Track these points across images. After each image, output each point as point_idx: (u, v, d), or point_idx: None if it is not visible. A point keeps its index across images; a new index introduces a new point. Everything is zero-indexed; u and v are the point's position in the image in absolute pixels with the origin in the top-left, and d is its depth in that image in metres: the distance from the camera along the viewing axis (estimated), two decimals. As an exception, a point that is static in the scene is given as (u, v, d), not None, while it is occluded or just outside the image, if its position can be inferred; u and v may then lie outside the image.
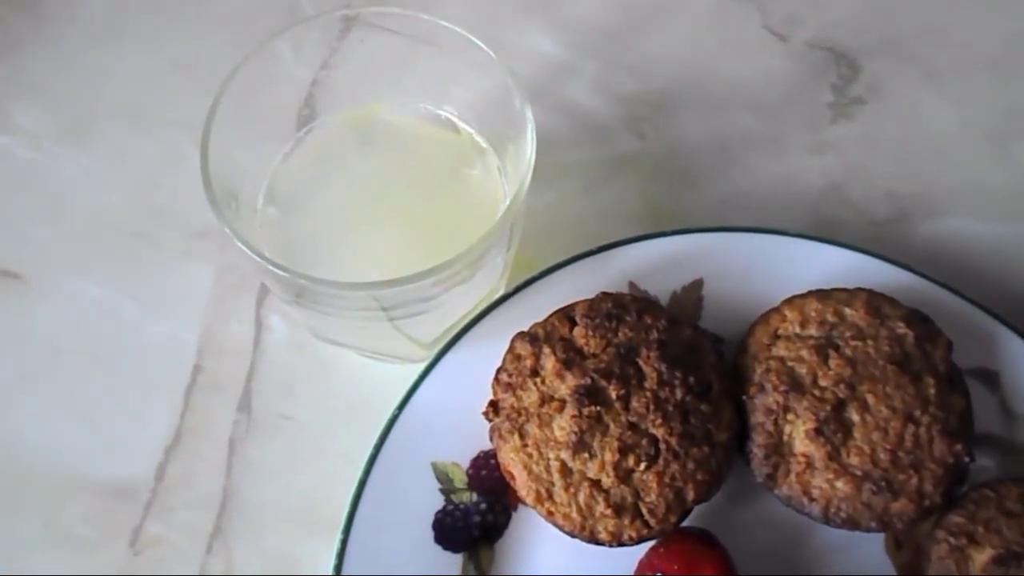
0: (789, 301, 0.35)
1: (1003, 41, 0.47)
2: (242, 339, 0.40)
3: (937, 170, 0.44)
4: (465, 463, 0.35)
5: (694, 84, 0.47)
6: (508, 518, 0.35)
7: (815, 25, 0.48)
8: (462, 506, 0.34)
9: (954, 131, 0.45)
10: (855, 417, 0.32)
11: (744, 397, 0.34)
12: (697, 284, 0.38)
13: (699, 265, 0.38)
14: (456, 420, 0.35)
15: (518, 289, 0.37)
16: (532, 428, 0.32)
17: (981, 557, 0.31)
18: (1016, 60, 0.46)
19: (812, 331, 0.34)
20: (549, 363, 0.33)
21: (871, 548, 0.34)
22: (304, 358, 0.39)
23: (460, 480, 0.34)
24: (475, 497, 0.34)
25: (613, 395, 0.32)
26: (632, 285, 0.38)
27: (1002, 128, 0.45)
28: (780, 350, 0.34)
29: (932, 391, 0.33)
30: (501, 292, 0.37)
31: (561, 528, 0.32)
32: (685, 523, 0.33)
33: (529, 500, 0.32)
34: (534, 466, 0.32)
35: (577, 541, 0.33)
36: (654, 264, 0.38)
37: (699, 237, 0.39)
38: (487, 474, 0.34)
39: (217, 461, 0.37)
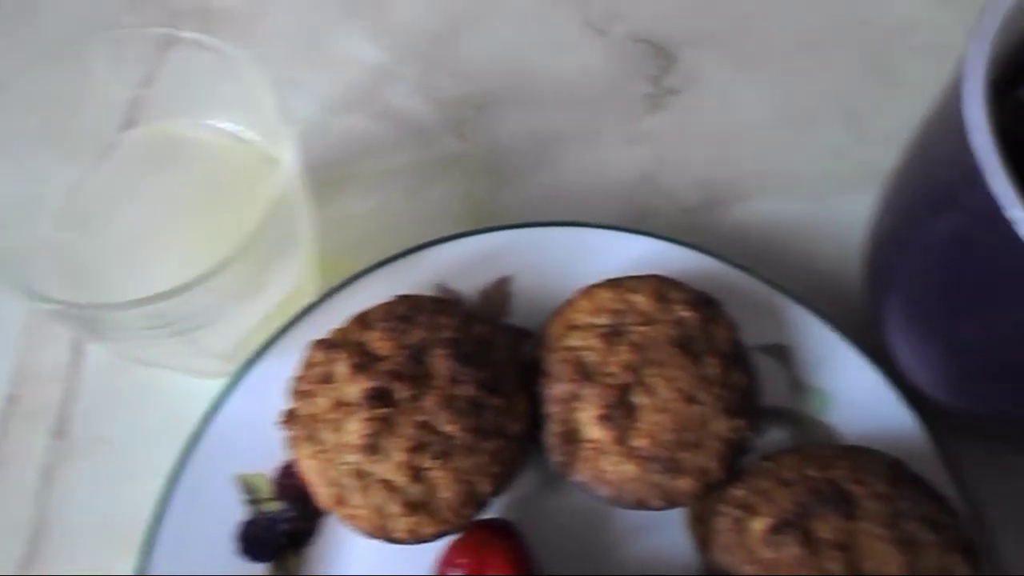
0: (584, 291, 0.36)
1: (812, 27, 0.49)
2: (57, 365, 0.39)
3: (746, 155, 0.45)
4: (272, 473, 0.35)
5: (515, 83, 0.47)
6: (316, 524, 0.35)
7: (634, 19, 0.49)
8: (268, 515, 0.34)
9: (763, 116, 0.46)
10: (640, 400, 0.34)
11: (538, 388, 0.35)
12: (505, 281, 0.39)
13: (506, 262, 0.39)
14: (263, 431, 0.35)
15: (325, 297, 0.38)
16: (325, 434, 0.33)
17: (758, 527, 0.32)
18: (824, 45, 0.48)
19: (602, 319, 0.35)
20: (342, 368, 0.33)
21: (673, 525, 0.35)
22: (121, 380, 0.39)
23: (266, 490, 0.35)
24: (282, 506, 0.35)
25: (403, 395, 0.33)
26: (441, 286, 0.39)
27: (809, 111, 0.46)
28: (572, 340, 0.35)
29: (714, 371, 0.34)
30: (310, 300, 0.38)
31: (360, 530, 0.33)
32: (489, 515, 0.34)
33: (326, 505, 0.33)
34: (329, 471, 0.33)
35: (384, 550, 0.33)
36: (462, 264, 0.39)
37: (506, 234, 0.39)
38: (294, 482, 0.35)
39: (30, 487, 0.37)
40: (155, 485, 0.36)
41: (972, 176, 0.26)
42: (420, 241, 0.39)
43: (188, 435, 0.34)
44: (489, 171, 0.45)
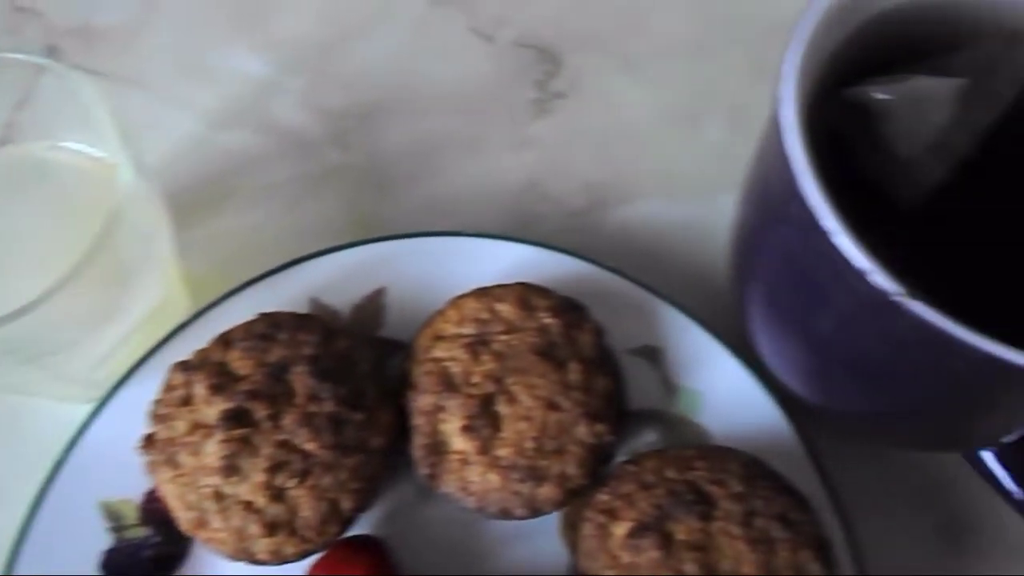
0: (452, 302, 0.36)
1: (696, 26, 0.49)
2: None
3: (631, 157, 0.45)
4: (139, 498, 0.35)
5: (400, 92, 0.47)
6: (183, 548, 0.35)
7: (521, 24, 0.49)
8: (133, 542, 0.34)
9: (648, 117, 0.46)
10: (504, 410, 0.34)
11: (405, 401, 0.35)
12: (379, 293, 0.39)
13: (380, 274, 0.39)
14: (128, 456, 0.34)
15: (194, 318, 0.37)
16: (184, 457, 0.33)
17: (619, 531, 0.32)
18: (707, 44, 0.48)
19: (468, 329, 0.35)
20: (199, 390, 0.33)
21: (547, 533, 0.35)
22: (-10, 406, 0.39)
23: (131, 517, 0.34)
24: (148, 531, 0.34)
25: (262, 415, 0.32)
26: (315, 301, 0.39)
27: (694, 110, 0.46)
28: (438, 351, 0.35)
29: (576, 376, 0.34)
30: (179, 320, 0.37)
31: (222, 553, 0.33)
32: (360, 531, 0.34)
33: (187, 529, 0.33)
34: (188, 495, 0.32)
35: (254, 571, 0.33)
36: (336, 278, 0.39)
37: (380, 246, 0.39)
38: (160, 507, 0.34)
39: None
40: (20, 513, 0.36)
41: (791, 182, 0.26)
42: (299, 255, 0.39)
43: (52, 462, 0.34)
44: (372, 182, 0.45)
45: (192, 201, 0.44)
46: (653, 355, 0.37)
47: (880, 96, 0.28)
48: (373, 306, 0.39)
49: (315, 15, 0.49)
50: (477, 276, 0.38)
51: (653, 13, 0.50)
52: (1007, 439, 0.31)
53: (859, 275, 0.24)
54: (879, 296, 0.24)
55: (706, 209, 0.44)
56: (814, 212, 0.25)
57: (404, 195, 0.44)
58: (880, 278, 0.24)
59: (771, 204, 0.29)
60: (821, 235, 0.25)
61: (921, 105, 0.27)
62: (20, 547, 0.33)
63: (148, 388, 0.35)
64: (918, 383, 0.28)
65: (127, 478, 0.35)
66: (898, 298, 0.23)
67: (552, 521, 0.36)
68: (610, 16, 0.50)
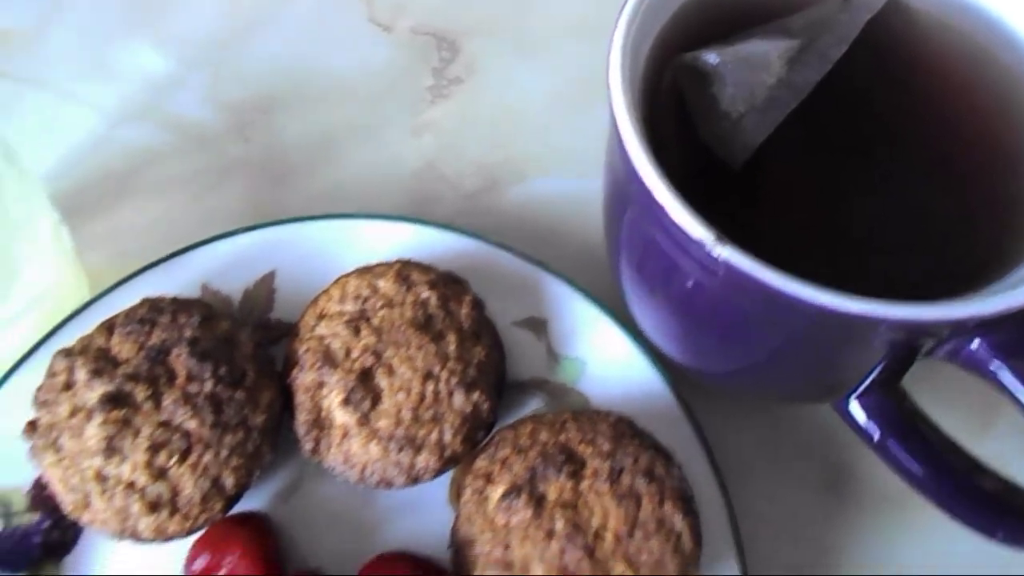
0: (336, 280, 0.37)
1: (585, 8, 0.50)
2: None
3: (524, 138, 0.46)
4: (28, 485, 0.35)
5: (301, 84, 0.48)
6: (76, 533, 0.35)
7: (418, 12, 0.50)
8: (22, 528, 0.35)
9: (541, 99, 0.47)
10: (382, 383, 0.34)
11: (289, 379, 0.35)
12: (269, 277, 0.39)
13: (270, 259, 0.40)
14: (15, 445, 0.35)
15: (85, 307, 0.38)
16: (66, 441, 0.33)
17: (495, 495, 0.33)
18: (598, 25, 0.49)
19: (348, 307, 0.36)
20: (81, 375, 0.34)
21: (436, 501, 0.36)
22: None
23: (19, 503, 0.35)
24: (38, 517, 0.35)
25: (141, 396, 0.33)
26: (205, 287, 0.39)
27: (584, 91, 0.48)
28: (321, 329, 0.36)
29: (452, 347, 0.35)
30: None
31: (107, 533, 0.33)
32: (247, 508, 0.35)
33: (71, 511, 0.33)
34: (70, 477, 0.33)
35: (144, 552, 0.34)
36: (227, 263, 0.39)
37: (270, 231, 0.40)
38: (49, 493, 0.35)
39: None
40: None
41: (619, 142, 0.27)
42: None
43: (-62, 455, 0.34)
44: (272, 173, 0.45)
45: (94, 196, 0.45)
46: (538, 327, 0.38)
47: (710, 59, 0.29)
48: (263, 290, 0.39)
49: (213, 11, 0.50)
50: (366, 258, 0.38)
51: (544, -4, 0.51)
52: (861, 387, 0.32)
53: (681, 230, 0.25)
54: (701, 250, 0.25)
55: (595, 186, 0.44)
56: (636, 170, 0.26)
57: (304, 184, 0.45)
58: (696, 229, 0.25)
59: (612, 166, 0.30)
60: (647, 194, 0.26)
61: (750, 66, 0.28)
62: (-92, 538, 0.33)
63: (35, 378, 0.36)
64: (764, 337, 0.29)
65: (14, 466, 0.35)
66: (713, 248, 0.24)
67: (442, 490, 0.36)
68: (502, 2, 0.51)
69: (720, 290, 0.27)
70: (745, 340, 0.30)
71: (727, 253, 0.24)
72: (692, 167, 0.30)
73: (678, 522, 0.31)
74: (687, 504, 0.32)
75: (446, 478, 0.37)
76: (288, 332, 0.38)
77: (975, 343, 0.26)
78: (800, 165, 0.30)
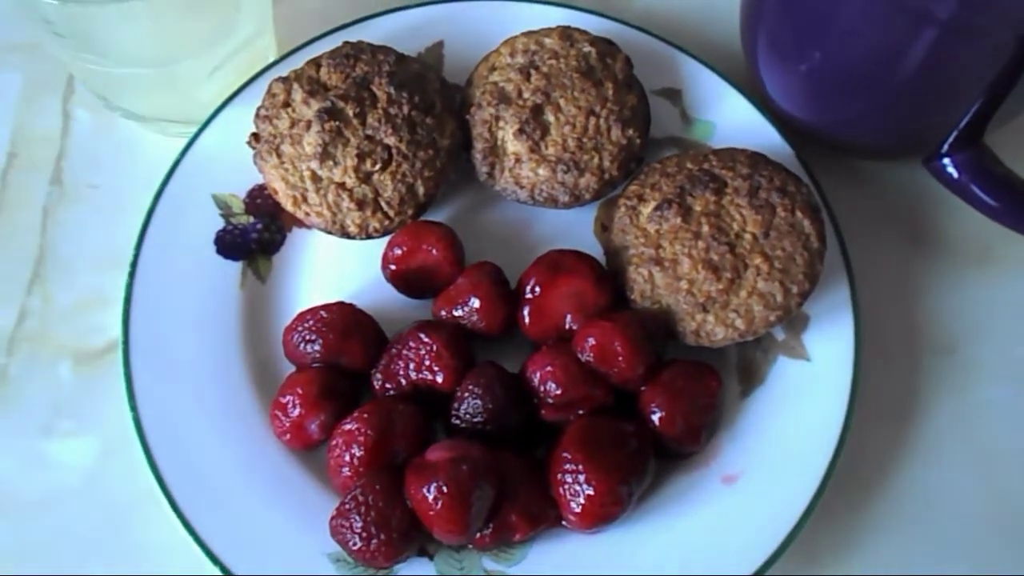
0: (505, 41, 0.43)
1: None
2: (51, 130, 0.45)
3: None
4: (243, 194, 0.41)
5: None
6: (283, 237, 0.41)
7: None
8: (240, 226, 0.41)
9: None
10: (550, 118, 0.40)
11: (467, 116, 0.41)
12: (438, 46, 0.45)
13: (439, 31, 0.45)
14: (234, 161, 0.41)
15: (283, 58, 0.44)
16: (286, 147, 0.39)
17: (646, 209, 0.39)
18: None
19: (519, 59, 0.42)
20: (298, 95, 0.40)
21: (583, 231, 0.42)
22: (108, 139, 0.45)
23: (238, 206, 0.41)
24: (252, 219, 0.41)
25: (350, 113, 0.39)
26: (383, 50, 0.45)
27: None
28: (495, 77, 0.42)
29: (610, 92, 0.40)
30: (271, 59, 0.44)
31: (317, 226, 0.39)
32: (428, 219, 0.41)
33: (289, 206, 0.39)
34: (290, 177, 0.39)
35: (341, 253, 0.40)
36: (401, 32, 0.45)
37: (439, 8, 0.46)
38: (262, 202, 0.41)
39: (34, 225, 0.43)
40: (139, 219, 0.43)
41: None
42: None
43: (169, 164, 0.41)
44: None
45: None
46: (673, 95, 0.44)
47: None
48: (434, 56, 0.45)
49: None
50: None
51: None
52: (951, 138, 0.38)
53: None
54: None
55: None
56: None
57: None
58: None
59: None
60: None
61: None
62: (146, 229, 0.39)
63: (241, 110, 0.42)
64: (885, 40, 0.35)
65: (232, 177, 0.41)
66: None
67: (588, 222, 0.42)
68: None
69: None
70: (869, 63, 0.36)
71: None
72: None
73: (807, 226, 0.37)
74: (815, 213, 0.38)
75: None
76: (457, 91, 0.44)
77: None
78: None
